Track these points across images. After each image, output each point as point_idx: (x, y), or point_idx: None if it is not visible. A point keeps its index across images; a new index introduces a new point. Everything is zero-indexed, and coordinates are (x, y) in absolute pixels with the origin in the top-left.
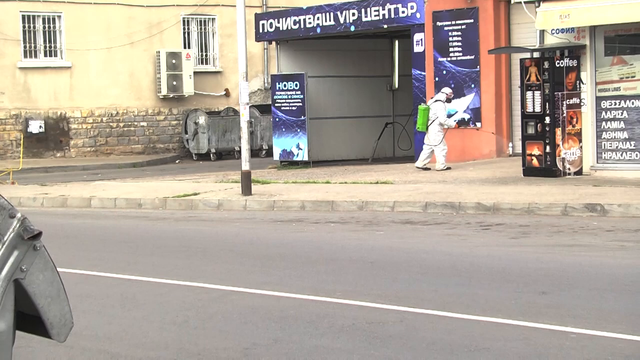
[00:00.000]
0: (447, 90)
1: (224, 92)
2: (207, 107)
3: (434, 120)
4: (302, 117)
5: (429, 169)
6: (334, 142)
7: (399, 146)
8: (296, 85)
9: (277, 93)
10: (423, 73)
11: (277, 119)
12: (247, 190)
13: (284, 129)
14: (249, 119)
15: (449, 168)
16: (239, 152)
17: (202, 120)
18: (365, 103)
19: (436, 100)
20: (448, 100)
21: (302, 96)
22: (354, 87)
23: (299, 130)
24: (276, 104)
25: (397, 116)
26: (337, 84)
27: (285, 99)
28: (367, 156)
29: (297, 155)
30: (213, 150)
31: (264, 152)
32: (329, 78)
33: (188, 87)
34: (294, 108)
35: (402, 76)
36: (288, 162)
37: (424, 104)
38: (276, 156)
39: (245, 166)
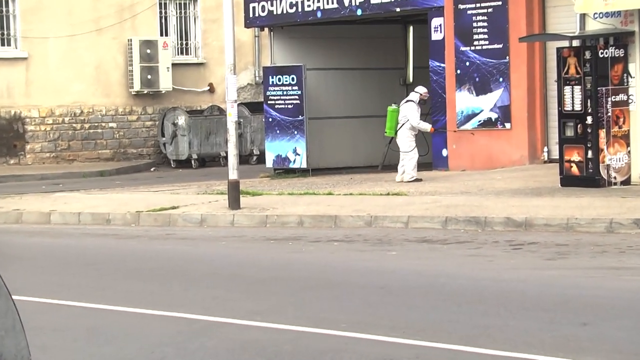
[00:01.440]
0: (421, 89)
1: (208, 88)
2: (188, 105)
3: (403, 124)
4: (300, 117)
5: (420, 179)
6: (338, 147)
7: None
8: (293, 79)
9: (271, 89)
10: (442, 65)
11: (270, 119)
12: (234, 203)
13: (278, 131)
14: (237, 119)
15: (418, 180)
16: (225, 158)
17: (181, 120)
18: (375, 100)
19: (407, 101)
20: (422, 102)
21: (299, 92)
22: (361, 82)
23: (296, 132)
24: (269, 102)
25: None
26: (341, 78)
27: (280, 95)
28: (376, 163)
29: (294, 161)
30: (195, 156)
31: (254, 158)
32: (331, 71)
33: (165, 82)
34: (290, 106)
35: (418, 68)
36: (283, 169)
37: (394, 105)
38: (269, 163)
39: (233, 175)
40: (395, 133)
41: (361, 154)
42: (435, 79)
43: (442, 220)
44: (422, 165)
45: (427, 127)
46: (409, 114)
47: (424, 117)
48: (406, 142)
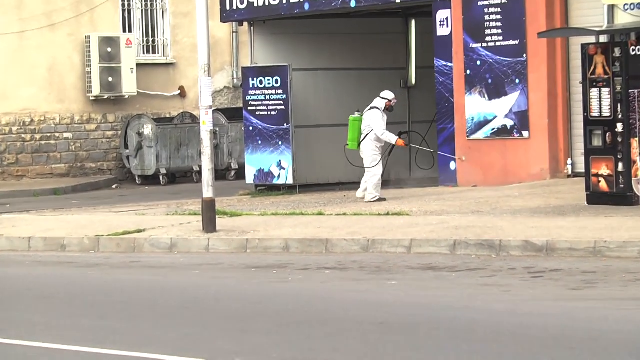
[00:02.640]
0: (388, 94)
1: (178, 92)
2: (156, 112)
3: (367, 135)
4: (285, 125)
5: (384, 199)
6: (329, 159)
7: (418, 164)
8: (277, 81)
9: (251, 92)
10: (450, 64)
11: (250, 128)
12: (210, 225)
13: (260, 142)
14: (212, 127)
15: (382, 199)
16: (199, 173)
17: (148, 129)
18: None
19: (372, 108)
20: (389, 109)
21: (284, 96)
22: (356, 84)
23: (280, 142)
24: (249, 108)
25: (414, 123)
26: (332, 80)
27: (262, 100)
28: None
29: (279, 177)
30: (163, 171)
31: (233, 172)
32: (321, 72)
33: (129, 85)
34: (273, 113)
35: (421, 68)
36: (266, 186)
37: (356, 113)
38: (249, 178)
39: (208, 192)
40: (358, 145)
41: (356, 168)
42: (442, 80)
43: (450, 244)
44: (427, 181)
45: (392, 138)
46: (373, 123)
47: (427, 125)
48: (369, 155)
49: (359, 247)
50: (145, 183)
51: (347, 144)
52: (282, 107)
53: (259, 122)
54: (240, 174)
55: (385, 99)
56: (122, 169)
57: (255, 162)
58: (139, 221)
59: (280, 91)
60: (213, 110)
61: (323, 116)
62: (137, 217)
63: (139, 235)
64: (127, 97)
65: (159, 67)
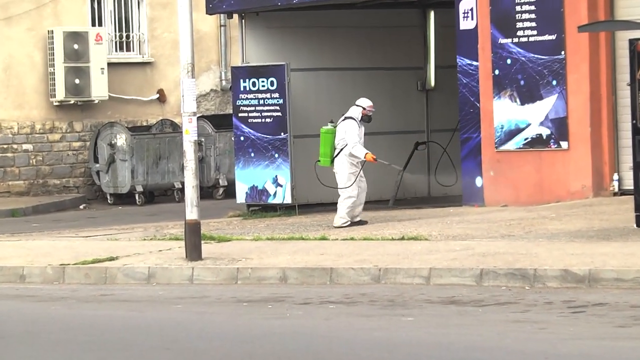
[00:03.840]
0: (364, 102)
1: (157, 96)
2: (130, 120)
3: (342, 149)
4: (283, 135)
5: (366, 222)
6: (334, 175)
7: (438, 180)
8: (272, 83)
9: (242, 96)
10: (475, 63)
11: (241, 138)
12: (194, 252)
13: (253, 154)
14: (196, 137)
15: (358, 223)
16: (181, 191)
17: (121, 140)
18: (384, 112)
19: (346, 118)
20: (366, 119)
21: (281, 101)
22: (365, 87)
23: (277, 155)
24: (240, 114)
25: (434, 132)
26: (337, 82)
27: (255, 105)
28: (385, 196)
29: (275, 195)
30: (140, 189)
31: (221, 190)
32: (323, 72)
33: (99, 88)
34: (268, 120)
35: (442, 68)
36: (260, 206)
37: (330, 124)
38: (241, 197)
39: (192, 213)
40: (332, 162)
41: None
42: (465, 82)
43: (475, 274)
44: (450, 199)
45: (361, 153)
46: (347, 135)
47: (449, 134)
48: (344, 174)
49: (369, 278)
50: (119, 202)
51: (319, 160)
52: (279, 114)
53: (251, 131)
54: (230, 191)
55: (360, 106)
56: (91, 186)
57: (248, 178)
58: (111, 247)
59: (276, 95)
60: (198, 118)
61: (326, 124)
62: (109, 242)
63: (111, 263)
64: (96, 102)
65: (134, 67)
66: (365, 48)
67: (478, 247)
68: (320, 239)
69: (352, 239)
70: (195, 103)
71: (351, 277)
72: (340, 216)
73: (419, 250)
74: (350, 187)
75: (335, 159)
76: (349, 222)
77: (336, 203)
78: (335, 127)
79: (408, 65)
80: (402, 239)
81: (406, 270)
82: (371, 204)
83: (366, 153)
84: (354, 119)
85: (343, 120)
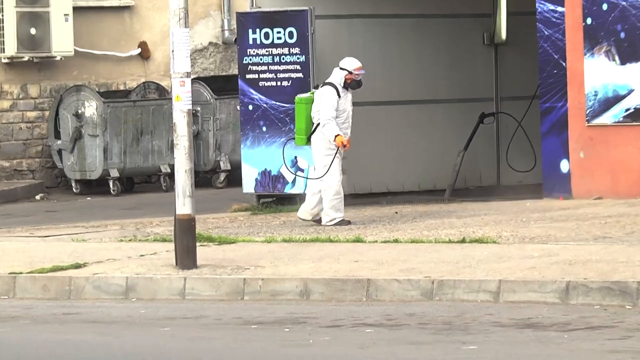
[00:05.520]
0: (351, 63)
1: (138, 51)
2: (103, 83)
3: (318, 125)
4: None
5: (348, 222)
6: (371, 156)
7: (510, 164)
8: (291, 35)
9: (252, 52)
10: (560, 8)
11: (250, 107)
12: (187, 257)
13: (265, 128)
14: (191, 106)
15: (346, 222)
16: (170, 177)
17: (91, 109)
18: (439, 73)
19: (325, 84)
20: (354, 85)
21: (303, 58)
22: (413, 41)
23: None
24: (249, 76)
25: (505, 100)
26: (376, 34)
27: (269, 64)
28: (440, 185)
29: (294, 183)
30: (115, 174)
31: (222, 176)
32: (358, 20)
33: (62, 41)
34: (286, 83)
35: (516, 15)
36: (274, 197)
37: (309, 92)
38: (248, 185)
39: (184, 207)
40: (308, 140)
41: (413, 170)
42: (547, 34)
43: (559, 289)
44: (527, 188)
45: (332, 131)
46: (321, 107)
47: (526, 102)
48: (320, 156)
49: (418, 292)
50: (87, 192)
51: (294, 138)
52: (300, 75)
53: (263, 97)
54: (234, 178)
55: (344, 69)
56: (50, 169)
57: (258, 160)
58: (77, 251)
59: (296, 50)
60: (192, 80)
61: (362, 89)
62: (75, 244)
63: (76, 272)
64: (59, 58)
65: (109, 13)
66: None
67: (563, 252)
68: (354, 241)
69: (395, 241)
70: (189, 60)
71: (395, 291)
72: (326, 213)
73: (485, 256)
74: (331, 172)
75: (313, 135)
76: (338, 219)
77: (374, 194)
78: (311, 95)
79: (472, 11)
80: (463, 241)
81: (468, 283)
82: (421, 194)
83: (337, 136)
84: (333, 85)
85: (322, 87)
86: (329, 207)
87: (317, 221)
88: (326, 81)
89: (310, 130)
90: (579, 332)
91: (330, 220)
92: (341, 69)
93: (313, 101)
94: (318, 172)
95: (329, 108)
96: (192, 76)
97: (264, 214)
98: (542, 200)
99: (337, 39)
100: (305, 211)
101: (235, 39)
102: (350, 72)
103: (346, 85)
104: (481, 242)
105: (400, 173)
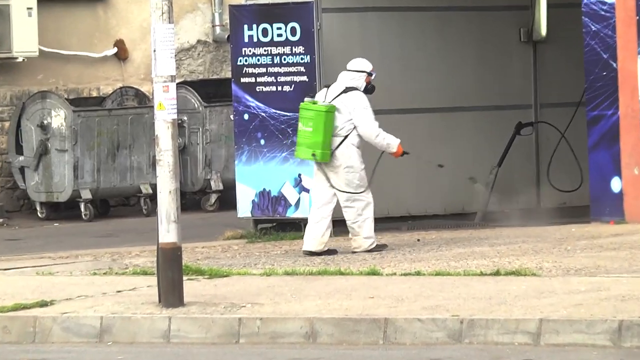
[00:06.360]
0: (364, 64)
1: (114, 51)
2: (73, 89)
3: (347, 136)
4: None
5: (336, 251)
6: (389, 174)
7: (551, 182)
8: (293, 31)
9: (248, 52)
10: (610, 0)
11: (246, 116)
12: (172, 293)
13: (263, 141)
14: (176, 116)
15: (382, 246)
16: (152, 198)
17: (59, 119)
18: (467, 75)
19: (348, 90)
20: (370, 89)
21: (307, 58)
22: (439, 37)
23: None
24: (244, 80)
25: (545, 107)
26: (394, 29)
27: (268, 65)
28: (469, 208)
29: (298, 205)
30: (87, 195)
31: (213, 198)
32: (374, 14)
33: (24, 39)
34: (288, 88)
35: (557, 8)
36: (274, 222)
37: (308, 98)
38: (244, 209)
39: (169, 234)
40: (331, 155)
41: (438, 190)
42: (595, 30)
43: (611, 329)
44: (572, 211)
45: (393, 142)
46: (357, 116)
47: (570, 110)
48: (356, 172)
49: (444, 334)
50: (55, 216)
51: (314, 154)
52: (304, 78)
53: (261, 104)
54: (227, 199)
55: (363, 72)
56: (11, 190)
57: (255, 178)
58: (44, 286)
59: (300, 49)
60: (178, 85)
61: (376, 94)
62: (41, 278)
63: (42, 311)
64: (21, 60)
65: (79, 7)
66: None
67: (615, 286)
68: (369, 274)
69: (418, 273)
70: (173, 62)
71: (417, 332)
72: (366, 236)
73: (523, 291)
74: (364, 193)
75: (337, 150)
76: (372, 243)
77: (391, 217)
78: (331, 104)
79: (506, 3)
80: (497, 273)
81: (503, 323)
82: (447, 218)
83: (399, 143)
84: (358, 90)
85: (343, 92)
86: (369, 228)
87: (330, 252)
88: (347, 86)
89: (331, 143)
90: None
91: (370, 245)
92: (356, 71)
93: (334, 110)
94: (352, 188)
95: (372, 117)
96: (178, 80)
97: (263, 241)
98: (589, 225)
99: (348, 35)
100: (313, 240)
101: (228, 37)
102: (369, 74)
103: (366, 90)
104: (518, 274)
105: (422, 194)
